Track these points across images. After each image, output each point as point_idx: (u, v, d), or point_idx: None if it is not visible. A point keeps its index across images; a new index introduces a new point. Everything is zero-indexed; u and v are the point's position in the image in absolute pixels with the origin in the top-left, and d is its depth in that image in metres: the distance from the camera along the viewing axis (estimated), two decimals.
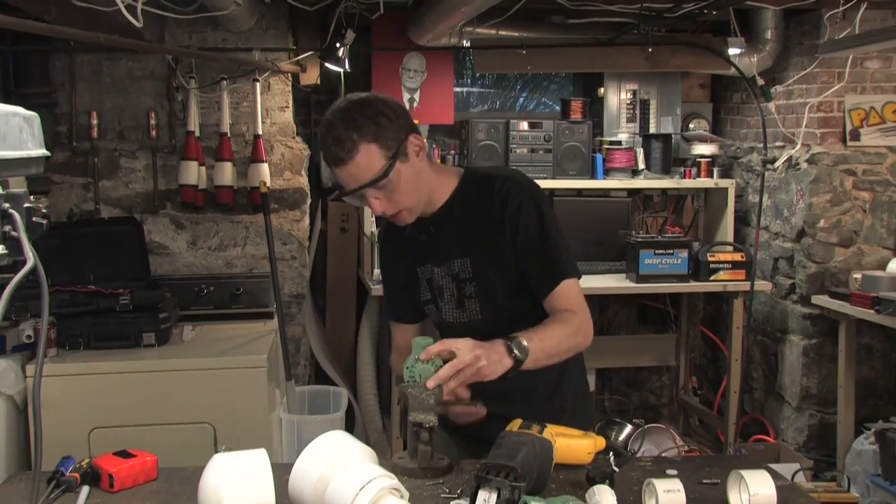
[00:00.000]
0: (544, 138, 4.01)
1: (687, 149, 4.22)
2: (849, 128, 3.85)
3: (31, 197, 1.11)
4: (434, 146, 3.97)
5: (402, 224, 1.77)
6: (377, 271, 3.75)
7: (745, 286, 3.82)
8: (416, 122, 1.79)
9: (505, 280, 1.78)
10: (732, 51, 3.89)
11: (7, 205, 1.07)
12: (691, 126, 4.36)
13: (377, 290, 3.65)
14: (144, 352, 3.04)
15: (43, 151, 1.16)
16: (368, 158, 1.62)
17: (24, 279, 1.05)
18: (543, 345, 1.65)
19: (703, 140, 4.15)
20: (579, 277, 1.78)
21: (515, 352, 1.58)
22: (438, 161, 1.67)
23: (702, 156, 4.13)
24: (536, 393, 1.81)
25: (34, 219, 1.11)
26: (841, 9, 3.37)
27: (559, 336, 1.69)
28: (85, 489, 1.54)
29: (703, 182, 4.12)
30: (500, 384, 1.60)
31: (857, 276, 3.65)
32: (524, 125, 4.02)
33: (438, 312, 1.87)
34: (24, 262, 1.06)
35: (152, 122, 3.64)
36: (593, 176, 4.06)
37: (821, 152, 3.84)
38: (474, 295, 1.81)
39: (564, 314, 1.72)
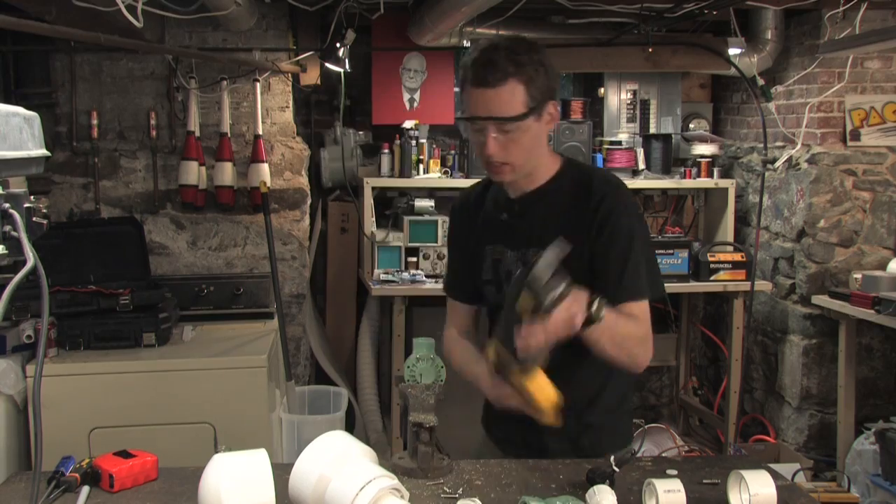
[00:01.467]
0: None
1: (687, 149, 4.21)
2: (849, 128, 3.84)
3: (32, 197, 1.11)
4: (434, 146, 3.97)
5: (498, 177, 1.71)
6: (377, 271, 3.79)
7: (746, 286, 3.83)
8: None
9: (581, 276, 1.63)
10: (733, 51, 3.89)
11: (7, 205, 1.06)
12: (691, 126, 4.36)
13: (377, 289, 3.65)
14: (145, 352, 3.03)
15: (43, 151, 1.16)
16: (512, 96, 1.59)
17: (24, 279, 1.05)
18: (616, 326, 1.57)
19: (703, 140, 4.15)
20: (658, 299, 1.69)
21: (594, 308, 1.51)
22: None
23: (702, 156, 4.12)
24: (573, 405, 1.67)
25: (34, 219, 1.11)
26: (841, 9, 3.37)
27: (631, 332, 1.61)
28: (85, 489, 1.53)
29: (704, 182, 4.11)
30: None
31: (858, 276, 3.65)
32: None
33: (500, 295, 1.77)
34: (24, 262, 1.06)
35: (152, 121, 3.64)
36: None
37: (821, 152, 3.83)
38: None
39: (634, 320, 1.64)
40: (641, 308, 1.66)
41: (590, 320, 1.51)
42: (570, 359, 1.63)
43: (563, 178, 1.75)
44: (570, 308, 1.48)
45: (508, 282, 1.74)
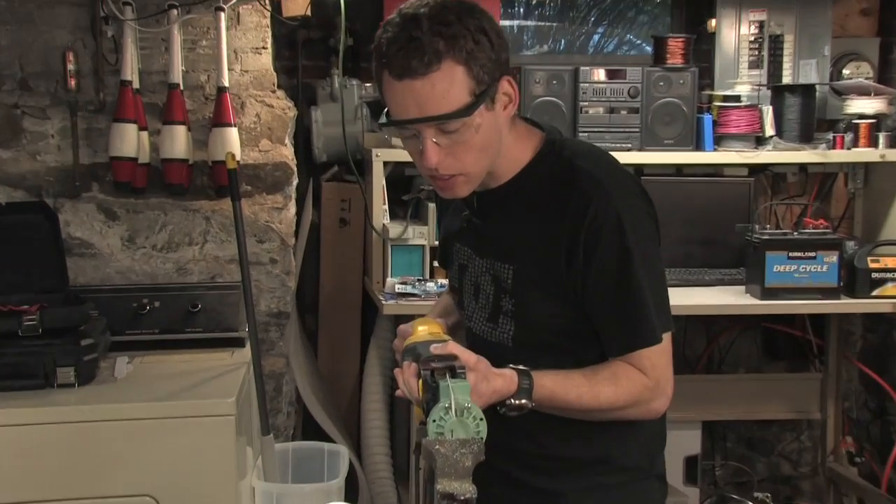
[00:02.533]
0: (629, 92, 3.99)
1: (839, 105, 4.17)
2: None
3: None
4: None
5: (448, 194, 1.80)
6: (391, 280, 3.79)
7: None
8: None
9: (553, 314, 1.80)
10: None
11: None
12: (846, 73, 4.33)
13: (391, 306, 3.66)
14: (60, 394, 2.99)
15: None
16: (449, 83, 1.63)
17: None
18: (562, 387, 1.73)
19: (863, 92, 4.09)
20: (671, 331, 1.81)
21: (520, 401, 1.68)
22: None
23: (861, 116, 4.06)
24: (572, 458, 1.89)
25: None
26: None
27: (625, 391, 1.76)
28: None
29: (863, 153, 4.07)
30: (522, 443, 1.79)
31: None
32: (600, 73, 4.00)
33: (464, 312, 1.97)
34: None
35: (70, 67, 3.59)
36: (699, 146, 4.04)
37: None
38: (511, 314, 1.83)
39: (623, 367, 1.77)
40: (656, 354, 1.78)
41: (522, 390, 1.69)
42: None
43: (537, 168, 1.83)
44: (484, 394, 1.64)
45: (476, 298, 1.93)
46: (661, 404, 1.80)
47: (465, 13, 1.65)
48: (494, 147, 1.76)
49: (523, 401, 1.68)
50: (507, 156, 1.80)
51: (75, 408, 2.92)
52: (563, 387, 1.72)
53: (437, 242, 3.81)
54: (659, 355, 1.78)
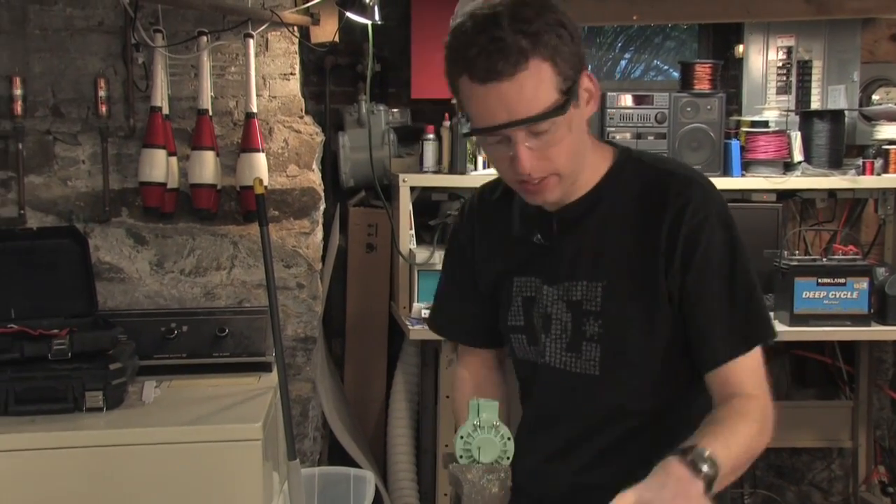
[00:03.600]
0: (656, 118, 4.01)
1: (868, 131, 4.16)
2: None
3: None
4: None
5: (540, 199, 1.70)
6: (418, 305, 3.78)
7: None
8: None
9: (649, 329, 1.69)
10: None
11: None
12: (876, 98, 4.31)
13: (417, 331, 3.65)
14: (88, 418, 2.99)
15: None
16: (538, 82, 1.57)
17: None
18: (731, 452, 1.53)
19: (893, 118, 4.07)
20: (774, 338, 1.68)
21: (704, 468, 1.46)
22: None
23: (891, 141, 4.05)
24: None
25: None
26: None
27: (747, 437, 1.58)
28: None
29: (893, 179, 4.05)
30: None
31: None
32: (627, 99, 4.03)
33: (535, 349, 1.82)
34: None
35: (101, 93, 3.62)
36: (727, 172, 4.05)
37: None
38: (597, 338, 1.73)
39: (741, 402, 1.62)
40: (759, 357, 1.67)
41: (710, 480, 1.47)
42: (626, 436, 1.69)
43: (619, 176, 1.75)
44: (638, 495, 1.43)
45: (546, 331, 1.79)
46: (770, 426, 1.64)
47: (543, 8, 1.59)
48: (585, 145, 1.70)
49: (708, 461, 1.49)
50: (588, 162, 1.73)
51: (103, 432, 2.93)
52: (726, 443, 1.54)
53: None
54: (758, 363, 1.67)
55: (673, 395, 1.67)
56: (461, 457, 1.58)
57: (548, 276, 1.78)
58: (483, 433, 1.57)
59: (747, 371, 1.65)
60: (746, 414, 1.60)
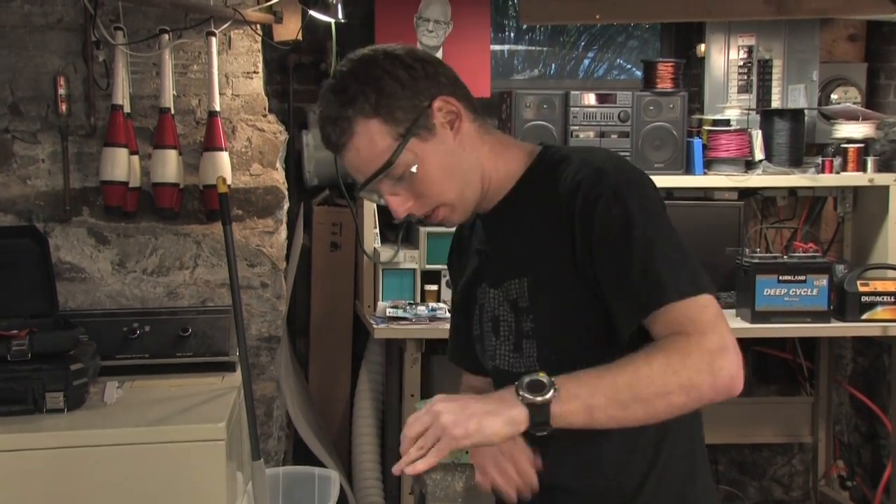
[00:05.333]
0: (619, 116, 4.03)
1: (827, 130, 4.20)
2: None
3: None
4: None
5: (447, 224, 1.77)
6: (382, 304, 3.80)
7: None
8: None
9: (576, 318, 1.68)
10: None
11: None
12: (834, 97, 4.35)
13: (382, 330, 3.66)
14: (49, 419, 2.97)
15: None
16: (370, 139, 1.64)
17: None
18: (602, 382, 1.49)
19: (851, 117, 4.11)
20: (711, 293, 1.57)
21: (524, 394, 1.47)
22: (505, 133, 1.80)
23: (850, 140, 4.09)
24: (609, 493, 1.74)
25: None
26: None
27: (641, 369, 1.50)
28: None
29: (852, 178, 4.09)
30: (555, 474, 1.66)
31: None
32: (590, 98, 4.03)
33: (489, 355, 1.84)
34: None
35: (61, 91, 3.59)
36: (689, 170, 4.08)
37: None
38: (531, 333, 1.74)
39: (665, 339, 1.54)
40: (688, 307, 1.54)
41: (536, 407, 1.47)
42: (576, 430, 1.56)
43: (533, 174, 1.76)
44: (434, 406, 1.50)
45: (497, 333, 1.81)
46: (730, 361, 1.51)
47: (361, 69, 1.66)
48: (460, 168, 1.70)
49: (540, 386, 1.48)
50: (495, 171, 1.74)
51: (64, 433, 2.91)
52: (599, 374, 1.51)
53: (427, 266, 3.90)
54: (699, 309, 1.54)
55: None
56: None
57: (491, 280, 1.82)
58: None
59: (676, 321, 1.54)
60: (659, 347, 1.52)
